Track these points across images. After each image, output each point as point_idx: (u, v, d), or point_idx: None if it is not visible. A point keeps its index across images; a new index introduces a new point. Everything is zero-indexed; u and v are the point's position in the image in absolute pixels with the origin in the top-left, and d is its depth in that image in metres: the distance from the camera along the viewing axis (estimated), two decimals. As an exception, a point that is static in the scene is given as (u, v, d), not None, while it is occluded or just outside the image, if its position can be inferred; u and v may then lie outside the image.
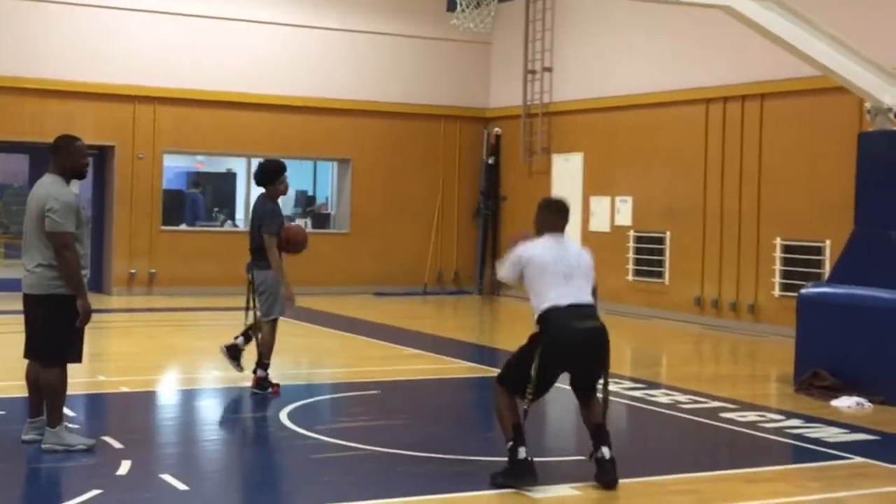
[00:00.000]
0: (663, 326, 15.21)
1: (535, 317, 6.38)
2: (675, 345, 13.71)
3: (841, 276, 10.01)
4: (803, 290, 10.40)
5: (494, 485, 6.29)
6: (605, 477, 6.35)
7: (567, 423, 8.41)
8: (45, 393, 6.88)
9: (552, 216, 6.63)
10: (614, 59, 17.06)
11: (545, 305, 6.32)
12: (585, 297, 6.43)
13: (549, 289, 6.34)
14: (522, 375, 6.30)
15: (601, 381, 6.51)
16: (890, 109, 9.77)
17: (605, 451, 6.37)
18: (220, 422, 8.49)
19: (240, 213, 19.40)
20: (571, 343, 6.30)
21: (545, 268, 6.38)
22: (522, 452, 6.24)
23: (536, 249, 6.48)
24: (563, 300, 6.30)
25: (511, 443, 6.27)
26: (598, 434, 6.43)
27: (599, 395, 6.52)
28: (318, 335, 13.29)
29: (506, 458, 6.35)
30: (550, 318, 6.28)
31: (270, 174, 9.16)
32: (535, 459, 6.33)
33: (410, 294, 18.84)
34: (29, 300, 6.88)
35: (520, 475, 6.24)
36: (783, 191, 14.36)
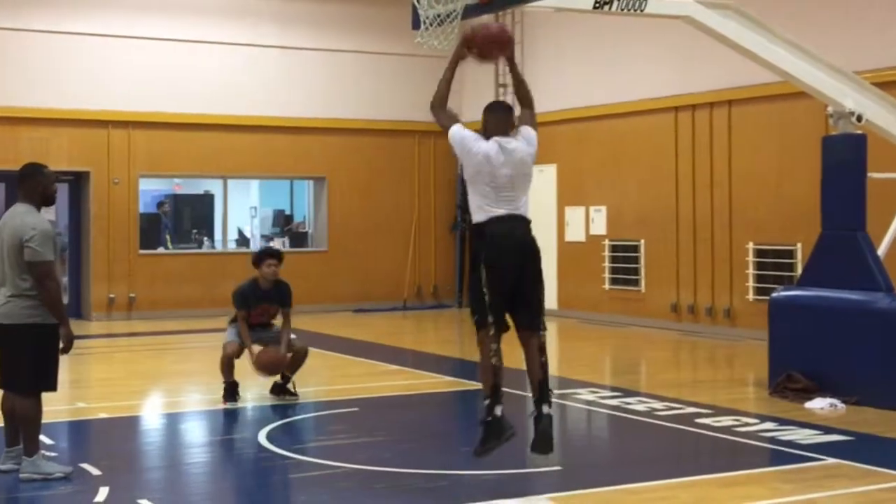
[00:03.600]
0: (640, 334, 15.32)
1: (474, 222, 6.51)
2: (652, 352, 13.81)
3: (811, 279, 10.13)
4: (774, 294, 10.52)
5: (478, 454, 6.40)
6: (540, 429, 6.39)
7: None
8: (22, 422, 6.90)
9: (497, 117, 6.66)
10: (584, 71, 17.20)
11: (481, 217, 6.44)
12: (522, 209, 6.52)
13: (483, 197, 6.43)
14: (480, 300, 6.36)
15: (538, 313, 6.49)
16: (852, 113, 9.89)
17: (545, 408, 6.41)
18: (198, 445, 8.51)
19: (218, 234, 19.43)
20: (509, 250, 6.38)
21: (484, 173, 6.43)
22: (498, 410, 6.33)
23: (485, 145, 6.50)
24: (501, 210, 6.41)
25: (488, 401, 6.37)
26: (541, 391, 6.44)
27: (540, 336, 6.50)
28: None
29: (491, 470, 6.41)
30: (486, 230, 6.39)
31: (255, 261, 9.68)
32: (513, 471, 6.41)
33: (390, 310, 18.90)
34: (3, 330, 6.89)
35: (495, 431, 6.33)
36: (753, 196, 14.51)
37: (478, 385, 10.60)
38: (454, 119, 6.70)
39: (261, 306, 9.61)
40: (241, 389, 9.63)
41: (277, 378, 9.74)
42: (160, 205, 19.69)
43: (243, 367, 9.66)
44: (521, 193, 6.55)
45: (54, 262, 6.89)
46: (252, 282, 9.68)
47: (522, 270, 6.46)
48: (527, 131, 6.68)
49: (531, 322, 6.50)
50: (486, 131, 6.63)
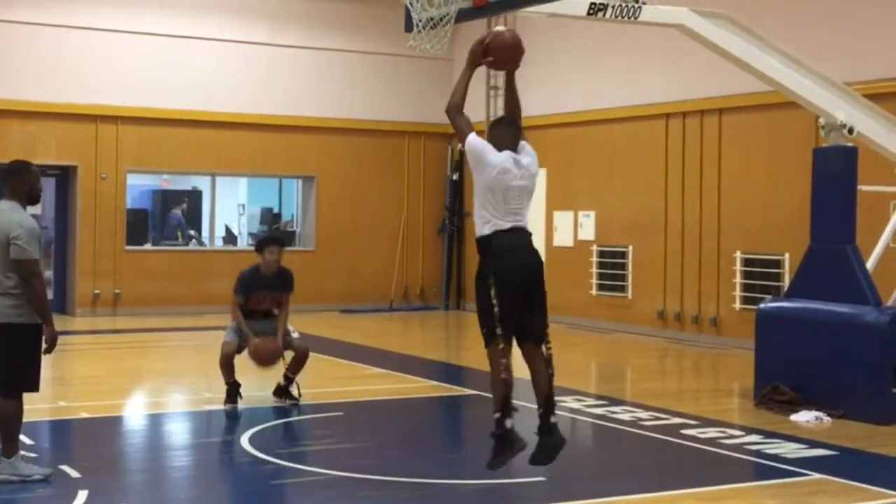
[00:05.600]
0: (627, 340, 15.30)
1: (477, 234, 6.47)
2: (638, 359, 13.78)
3: (798, 290, 10.11)
4: (762, 305, 10.50)
5: (492, 467, 6.34)
6: (553, 439, 6.39)
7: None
8: (1, 423, 6.81)
9: (504, 132, 6.63)
10: (575, 76, 17.17)
11: (491, 229, 6.39)
12: (526, 222, 6.51)
13: (496, 210, 6.39)
14: (490, 315, 6.30)
15: (544, 327, 6.48)
16: (843, 125, 9.88)
17: (552, 418, 6.41)
18: (180, 447, 8.45)
19: (205, 231, 19.35)
20: (516, 261, 6.37)
21: (496, 184, 6.38)
22: (508, 423, 6.29)
23: (498, 156, 6.46)
24: (507, 223, 6.38)
25: (498, 414, 6.31)
26: (546, 403, 6.43)
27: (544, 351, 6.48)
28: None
29: (475, 480, 6.36)
30: (494, 244, 6.35)
31: (258, 247, 9.68)
32: (497, 481, 6.37)
33: (377, 311, 18.84)
34: (-16, 329, 6.82)
35: (507, 444, 6.29)
36: (742, 204, 14.50)
37: (464, 391, 10.60)
38: (471, 126, 6.61)
39: (261, 293, 9.51)
40: (224, 384, 9.49)
41: (281, 380, 9.65)
42: (178, 203, 19.72)
43: (244, 367, 9.54)
44: (526, 207, 6.55)
45: (40, 261, 6.82)
46: (254, 268, 9.60)
47: (531, 283, 6.45)
48: (529, 147, 6.69)
49: (538, 335, 6.48)
50: (494, 145, 6.57)
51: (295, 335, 9.63)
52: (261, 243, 9.67)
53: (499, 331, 6.28)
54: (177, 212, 19.82)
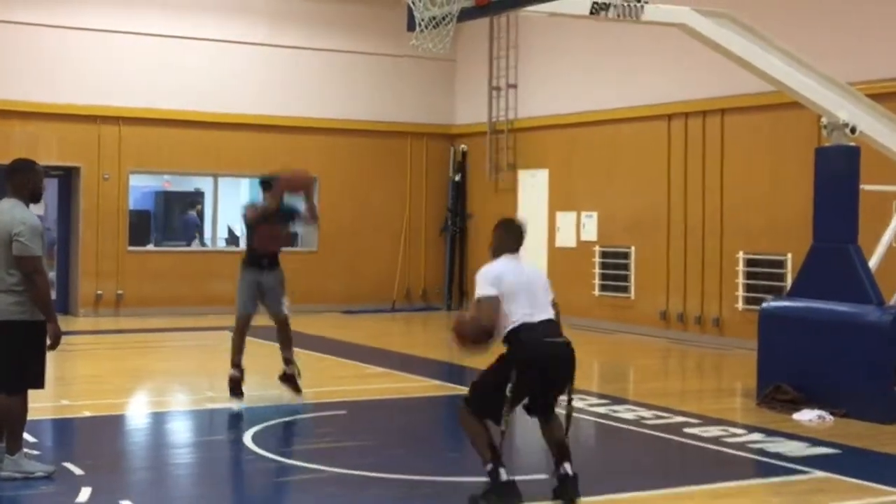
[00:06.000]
0: (629, 341, 15.29)
1: (504, 334, 6.36)
2: (640, 359, 13.79)
3: (801, 290, 10.11)
4: (764, 305, 10.50)
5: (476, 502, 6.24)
6: (568, 494, 6.37)
7: (530, 441, 8.42)
8: (6, 420, 6.82)
9: (509, 237, 6.69)
10: (578, 76, 17.18)
11: (516, 322, 6.32)
12: (549, 314, 6.50)
13: (518, 307, 6.35)
14: (495, 397, 6.23)
15: (564, 397, 6.50)
16: (846, 125, 9.87)
17: (568, 467, 6.38)
18: (183, 445, 8.45)
19: (208, 232, 19.35)
20: (545, 358, 6.31)
21: (513, 285, 6.39)
22: (504, 474, 6.20)
23: (501, 266, 6.50)
24: (534, 317, 6.35)
25: (491, 465, 6.22)
26: (561, 451, 6.43)
27: (560, 411, 6.52)
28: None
29: (477, 478, 6.34)
30: (522, 335, 6.29)
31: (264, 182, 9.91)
32: (510, 479, 6.37)
33: (379, 311, 18.84)
34: (-12, 327, 6.83)
35: (505, 497, 6.20)
36: (745, 205, 14.50)
37: (466, 390, 10.60)
38: (498, 291, 6.42)
39: (267, 225, 9.59)
40: (226, 383, 9.50)
41: (284, 367, 9.72)
42: (193, 205, 19.75)
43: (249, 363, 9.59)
44: (547, 301, 6.54)
45: (43, 258, 6.83)
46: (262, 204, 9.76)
47: (558, 377, 6.43)
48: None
49: (553, 405, 6.52)
50: (500, 244, 6.62)
51: (284, 307, 9.67)
52: (267, 181, 9.78)
53: (504, 415, 6.20)
54: (192, 213, 19.85)
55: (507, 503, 6.20)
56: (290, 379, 9.76)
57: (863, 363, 9.37)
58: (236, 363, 9.50)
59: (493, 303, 6.33)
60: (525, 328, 6.31)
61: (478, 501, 6.23)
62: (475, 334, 6.40)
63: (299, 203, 9.91)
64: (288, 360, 9.76)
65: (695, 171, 15.22)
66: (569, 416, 6.47)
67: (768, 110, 13.97)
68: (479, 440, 6.31)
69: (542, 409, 6.53)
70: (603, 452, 8.49)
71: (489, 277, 6.42)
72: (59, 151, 16.89)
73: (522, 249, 6.71)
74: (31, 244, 6.73)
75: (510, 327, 6.34)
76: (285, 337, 9.73)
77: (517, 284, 6.41)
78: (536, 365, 6.29)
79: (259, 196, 9.96)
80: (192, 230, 19.55)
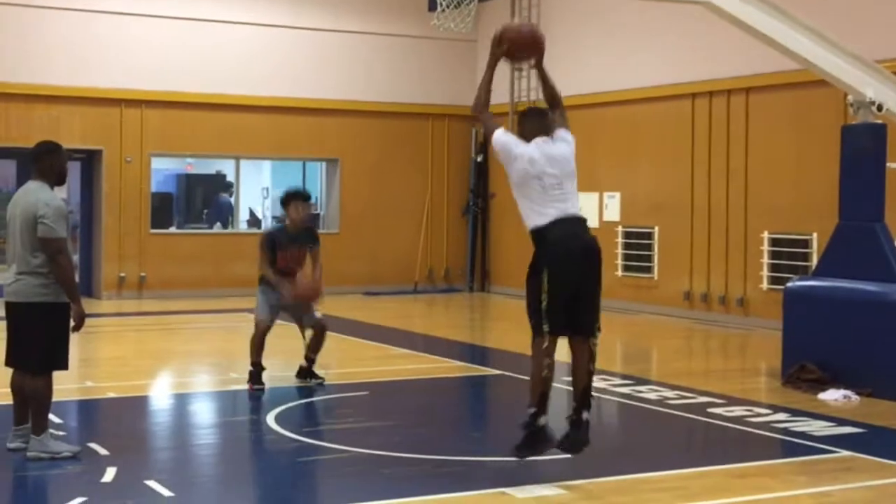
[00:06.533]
0: (653, 321, 15.24)
1: (529, 228, 6.40)
2: (664, 340, 13.73)
3: (827, 269, 10.03)
4: (789, 284, 10.43)
5: (516, 456, 6.42)
6: (578, 438, 6.42)
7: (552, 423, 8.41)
8: (32, 401, 6.86)
9: (534, 123, 6.61)
10: (601, 55, 17.07)
11: (543, 221, 6.33)
12: (575, 208, 6.47)
13: (542, 201, 6.36)
14: (538, 300, 6.27)
15: (593, 321, 6.43)
16: (872, 102, 9.77)
17: (585, 414, 6.43)
18: (206, 426, 8.48)
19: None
20: (570, 250, 6.31)
21: (531, 175, 6.38)
22: (543, 420, 6.32)
23: (530, 148, 6.47)
24: (558, 213, 6.34)
25: (533, 409, 6.34)
26: (582, 397, 6.46)
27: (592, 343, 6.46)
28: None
29: (499, 458, 6.38)
30: (549, 235, 6.30)
31: (283, 202, 9.65)
32: (532, 459, 6.42)
33: (401, 293, 18.85)
34: (13, 308, 6.85)
35: (538, 443, 6.37)
36: (770, 184, 14.39)
37: (488, 371, 10.60)
38: (497, 124, 6.60)
39: (289, 250, 9.43)
40: (249, 365, 9.51)
41: (303, 362, 9.63)
42: (226, 188, 19.81)
43: (269, 351, 9.58)
44: (571, 194, 6.49)
45: (67, 240, 6.85)
46: (280, 226, 9.69)
47: (586, 275, 6.39)
48: (563, 133, 6.65)
49: (587, 328, 6.45)
50: (524, 137, 6.57)
51: (317, 314, 9.61)
52: (286, 198, 9.57)
53: (545, 327, 6.26)
54: (226, 196, 19.86)
55: (537, 449, 6.39)
56: (306, 374, 9.65)
57: (889, 342, 9.30)
58: (256, 362, 9.42)
59: (494, 124, 6.55)
60: (552, 226, 6.30)
61: (516, 452, 6.41)
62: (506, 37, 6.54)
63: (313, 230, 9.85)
64: (311, 361, 9.64)
65: (719, 150, 15.10)
66: (592, 357, 6.44)
67: (793, 88, 13.83)
68: (534, 385, 6.39)
69: (574, 326, 6.41)
70: (626, 433, 8.46)
71: (515, 141, 6.48)
72: (82, 134, 16.94)
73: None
74: (56, 226, 6.74)
75: (532, 225, 6.36)
76: (319, 343, 9.60)
77: (534, 173, 6.37)
78: (563, 257, 6.27)
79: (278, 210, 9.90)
80: (226, 213, 19.56)
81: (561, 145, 6.58)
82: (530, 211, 6.44)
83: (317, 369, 9.66)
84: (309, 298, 9.40)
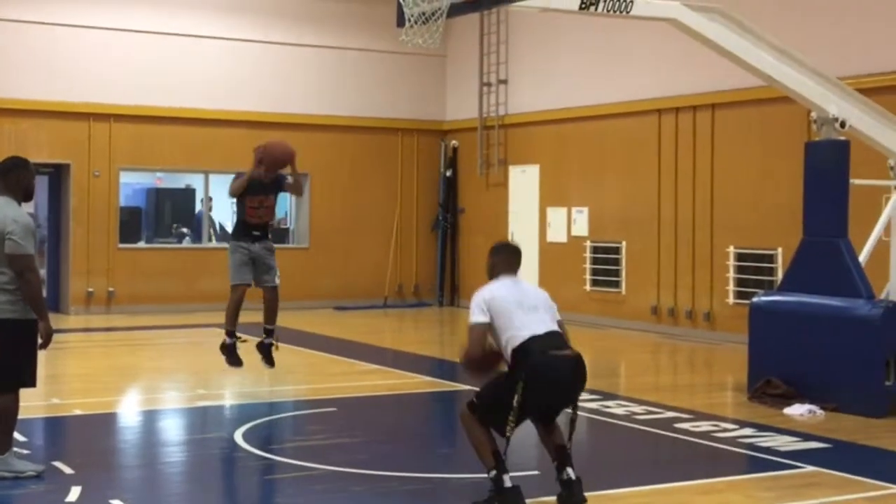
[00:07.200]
0: (620, 336, 15.31)
1: (510, 352, 6.16)
2: (631, 354, 13.80)
3: (791, 284, 10.12)
4: (754, 299, 10.52)
5: None
6: (574, 498, 6.26)
7: (528, 438, 8.42)
8: (-3, 418, 6.81)
9: (500, 259, 6.53)
10: (568, 71, 17.17)
11: (523, 337, 6.14)
12: (554, 327, 6.33)
13: (521, 323, 6.19)
14: (500, 407, 6.09)
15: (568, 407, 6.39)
16: (835, 119, 9.89)
17: (570, 471, 6.28)
18: (174, 444, 8.43)
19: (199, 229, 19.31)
20: (555, 370, 6.15)
21: (509, 303, 6.23)
22: (508, 480, 6.08)
23: (495, 287, 6.36)
24: (539, 330, 6.18)
25: (494, 472, 6.10)
26: (561, 455, 6.32)
27: (562, 417, 6.41)
28: (277, 352, 13.31)
29: (467, 475, 6.33)
30: (531, 348, 6.11)
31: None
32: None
33: (371, 308, 18.83)
34: (-22, 326, 6.80)
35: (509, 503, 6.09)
36: (735, 199, 14.52)
37: (457, 386, 10.59)
38: (487, 316, 6.27)
39: (258, 197, 9.66)
40: (217, 381, 9.53)
41: (263, 337, 9.83)
42: (206, 200, 19.69)
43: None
44: (551, 319, 6.33)
45: (35, 256, 6.81)
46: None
47: (570, 395, 6.30)
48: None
49: (554, 417, 6.40)
50: (496, 268, 6.49)
51: (277, 279, 9.74)
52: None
53: (510, 425, 6.07)
54: (202, 210, 19.68)
55: None
56: (265, 349, 9.82)
57: (853, 357, 9.40)
58: (230, 332, 9.56)
59: (482, 329, 6.20)
60: (534, 341, 6.13)
61: None
62: (470, 363, 6.29)
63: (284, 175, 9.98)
64: (269, 332, 9.86)
65: (685, 166, 15.23)
66: (573, 422, 6.33)
67: (758, 105, 13.98)
68: (482, 448, 6.19)
69: (545, 418, 6.39)
70: (594, 448, 8.49)
71: (479, 301, 6.28)
72: (50, 149, 16.85)
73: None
74: (24, 242, 6.70)
75: (517, 342, 6.15)
76: (272, 308, 9.80)
77: (511, 301, 6.23)
78: (545, 378, 6.10)
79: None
80: (201, 226, 19.45)
81: (530, 286, 6.57)
82: (508, 333, 6.19)
83: (276, 385, 9.80)
84: (283, 161, 9.60)
